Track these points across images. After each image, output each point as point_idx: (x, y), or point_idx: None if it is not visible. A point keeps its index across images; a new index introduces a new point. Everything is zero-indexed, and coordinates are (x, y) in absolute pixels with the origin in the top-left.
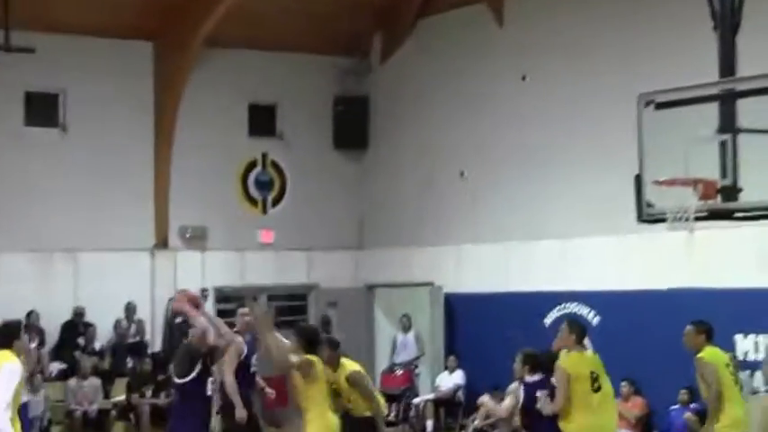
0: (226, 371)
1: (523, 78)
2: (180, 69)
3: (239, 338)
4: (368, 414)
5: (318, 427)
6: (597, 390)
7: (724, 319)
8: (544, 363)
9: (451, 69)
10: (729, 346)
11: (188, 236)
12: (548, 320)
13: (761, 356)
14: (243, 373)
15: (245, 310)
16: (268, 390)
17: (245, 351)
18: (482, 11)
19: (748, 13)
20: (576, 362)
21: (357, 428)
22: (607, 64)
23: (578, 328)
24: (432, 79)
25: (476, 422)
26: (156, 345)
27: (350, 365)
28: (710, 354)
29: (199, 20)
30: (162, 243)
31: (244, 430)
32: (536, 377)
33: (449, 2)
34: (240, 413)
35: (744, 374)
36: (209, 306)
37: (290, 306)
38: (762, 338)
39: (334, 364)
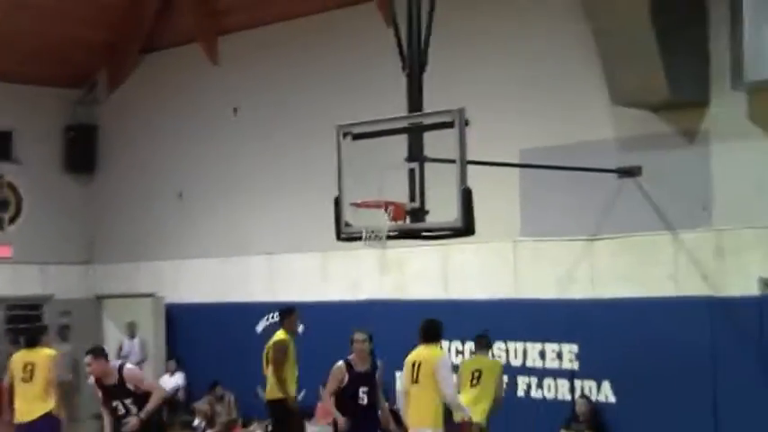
0: None
1: (235, 111)
2: None
3: None
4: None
5: None
6: None
7: (412, 327)
8: None
9: (172, 101)
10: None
11: None
12: (259, 328)
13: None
14: None
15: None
16: None
17: None
18: (197, 50)
19: (432, 56)
20: None
21: None
22: (309, 100)
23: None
24: (155, 110)
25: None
26: None
27: None
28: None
29: None
30: None
31: None
32: None
33: (168, 40)
34: None
35: None
36: None
37: (26, 315)
38: (444, 344)
39: None
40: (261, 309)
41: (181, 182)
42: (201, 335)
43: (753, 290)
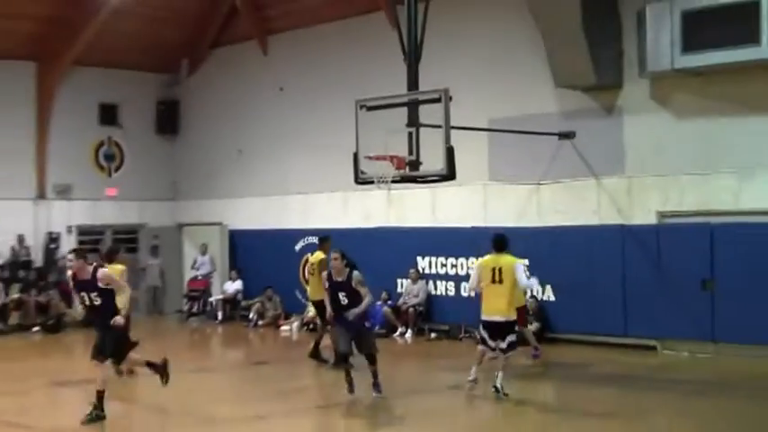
0: None
1: (281, 89)
2: (54, 80)
3: None
4: None
5: None
6: None
7: (410, 246)
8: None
9: (234, 82)
10: (413, 264)
11: (59, 190)
12: (297, 247)
13: (434, 270)
14: None
15: None
16: None
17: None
18: (253, 45)
19: (425, 51)
20: None
21: None
22: (334, 80)
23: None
24: (221, 89)
25: (251, 314)
26: (38, 262)
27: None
28: (483, 259)
29: (68, 46)
30: (41, 195)
31: None
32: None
33: (231, 38)
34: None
35: (422, 281)
36: (74, 238)
37: (127, 238)
38: (432, 259)
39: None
40: (298, 234)
41: (240, 141)
42: (255, 252)
43: (652, 220)
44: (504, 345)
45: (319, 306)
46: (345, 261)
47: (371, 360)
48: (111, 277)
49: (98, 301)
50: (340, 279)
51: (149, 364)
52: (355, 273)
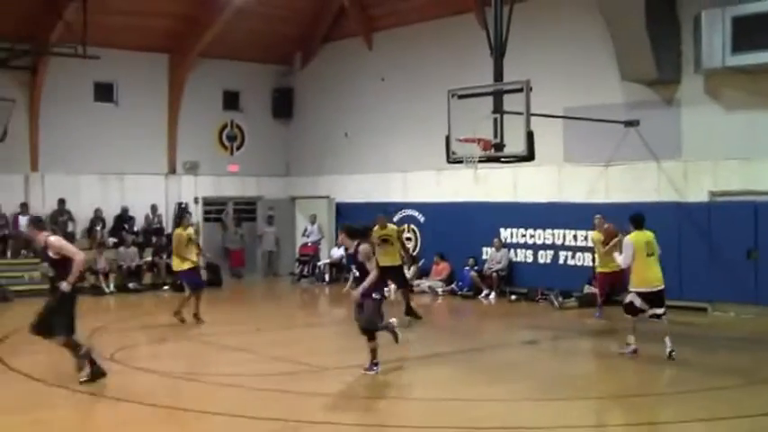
0: None
1: (383, 80)
2: (184, 70)
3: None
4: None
5: None
6: None
7: (493, 219)
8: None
9: (341, 73)
10: (496, 234)
11: (187, 167)
12: (396, 218)
13: (515, 240)
14: None
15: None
16: None
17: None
18: (359, 41)
19: (509, 46)
20: None
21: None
22: (430, 72)
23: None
24: (330, 79)
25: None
26: (168, 229)
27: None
28: (634, 236)
29: (197, 40)
30: (172, 170)
31: None
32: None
33: (340, 34)
34: None
35: (504, 250)
36: (200, 208)
37: (246, 209)
38: (513, 230)
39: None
40: (397, 206)
41: (346, 125)
42: (358, 222)
43: (704, 198)
44: (661, 310)
45: (392, 271)
46: (351, 233)
47: (367, 335)
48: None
49: (51, 272)
50: (351, 252)
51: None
52: (362, 246)
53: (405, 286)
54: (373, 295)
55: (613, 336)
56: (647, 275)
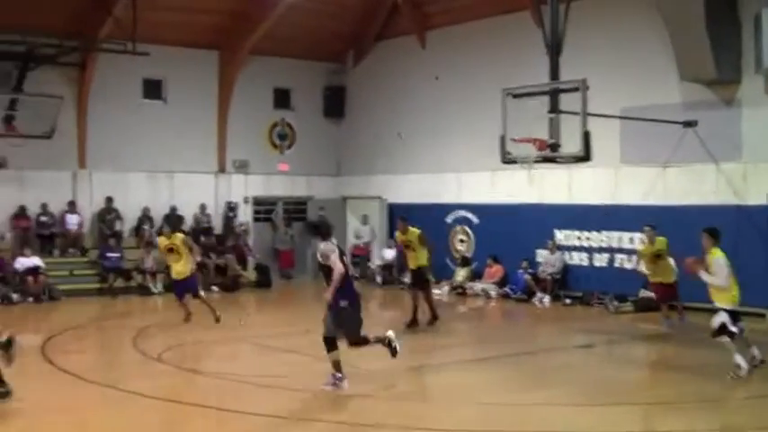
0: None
1: (436, 78)
2: (234, 67)
3: None
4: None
5: None
6: None
7: (549, 220)
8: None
9: (394, 72)
10: (551, 236)
11: (237, 165)
12: (449, 219)
13: (568, 242)
14: None
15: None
16: None
17: None
18: (412, 39)
19: (565, 45)
20: None
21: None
22: (484, 70)
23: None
24: (383, 77)
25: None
26: (217, 229)
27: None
28: (721, 252)
29: (247, 37)
30: (222, 169)
31: None
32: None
33: (393, 32)
34: None
35: (559, 252)
36: (250, 208)
37: (296, 208)
38: (567, 232)
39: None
40: (450, 207)
41: (399, 125)
42: (410, 223)
43: (764, 201)
44: (743, 324)
45: (414, 274)
46: (309, 230)
47: (328, 347)
48: None
49: None
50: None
51: None
52: (320, 245)
53: (424, 289)
54: (341, 304)
55: (668, 341)
56: (735, 292)
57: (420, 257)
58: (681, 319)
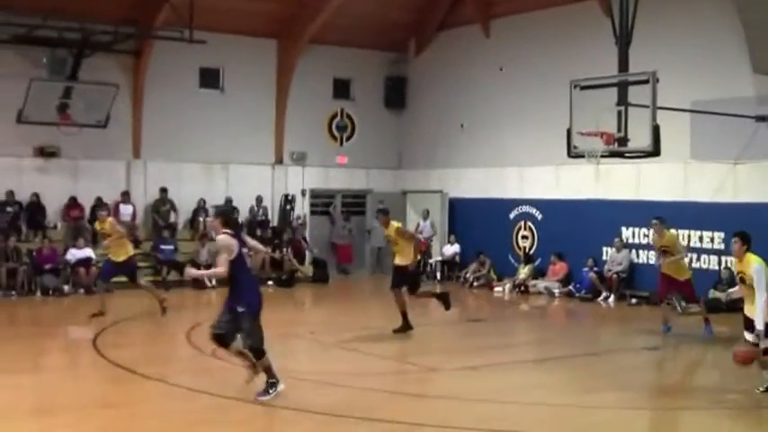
0: None
1: (501, 69)
2: (293, 56)
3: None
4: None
5: None
6: None
7: (615, 217)
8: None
9: (457, 62)
10: (617, 234)
11: (294, 157)
12: (511, 215)
13: (636, 240)
14: None
15: None
16: None
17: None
18: (476, 28)
19: (635, 36)
20: None
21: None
22: (551, 61)
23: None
24: (445, 68)
25: (467, 275)
26: (274, 221)
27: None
28: (756, 259)
29: (306, 26)
30: (279, 161)
31: None
32: None
33: (456, 21)
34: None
35: (625, 250)
36: (307, 200)
37: (355, 202)
38: (634, 229)
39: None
40: (513, 203)
41: (462, 116)
42: (472, 218)
43: None
44: None
45: (398, 270)
46: (226, 222)
47: (256, 355)
48: None
49: None
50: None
51: None
52: (218, 237)
53: (410, 289)
54: (238, 309)
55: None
56: None
57: (403, 255)
58: (707, 332)
